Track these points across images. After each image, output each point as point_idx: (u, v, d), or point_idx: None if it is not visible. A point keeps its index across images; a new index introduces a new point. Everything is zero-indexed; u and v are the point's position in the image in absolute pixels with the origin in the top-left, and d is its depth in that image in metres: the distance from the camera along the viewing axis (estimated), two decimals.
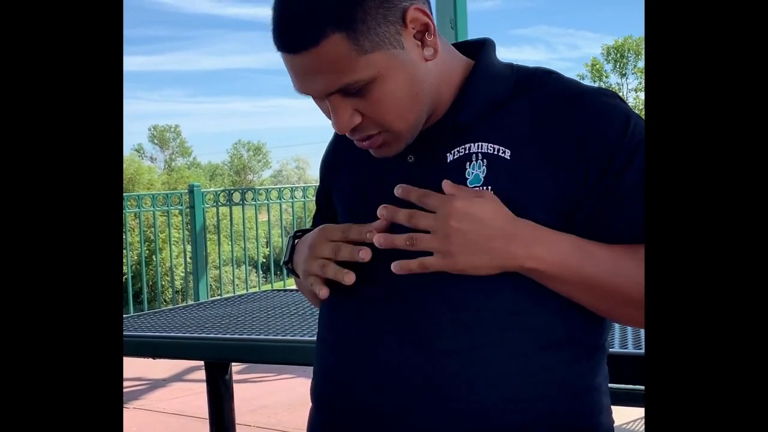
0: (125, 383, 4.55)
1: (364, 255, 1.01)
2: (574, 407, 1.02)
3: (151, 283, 7.85)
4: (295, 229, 1.21)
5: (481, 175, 1.00)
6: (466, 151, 1.02)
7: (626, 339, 1.71)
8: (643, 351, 1.59)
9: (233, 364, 2.56)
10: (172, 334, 2.15)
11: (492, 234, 0.96)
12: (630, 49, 40.70)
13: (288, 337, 1.97)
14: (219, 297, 4.65)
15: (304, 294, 1.28)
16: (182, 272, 7.37)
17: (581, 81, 1.07)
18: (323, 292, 1.05)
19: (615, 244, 0.99)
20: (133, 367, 4.82)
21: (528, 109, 1.02)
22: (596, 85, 1.06)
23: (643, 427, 3.20)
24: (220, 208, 7.14)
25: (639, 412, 3.17)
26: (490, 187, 0.99)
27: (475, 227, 0.95)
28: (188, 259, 7.01)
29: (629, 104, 1.06)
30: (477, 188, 1.00)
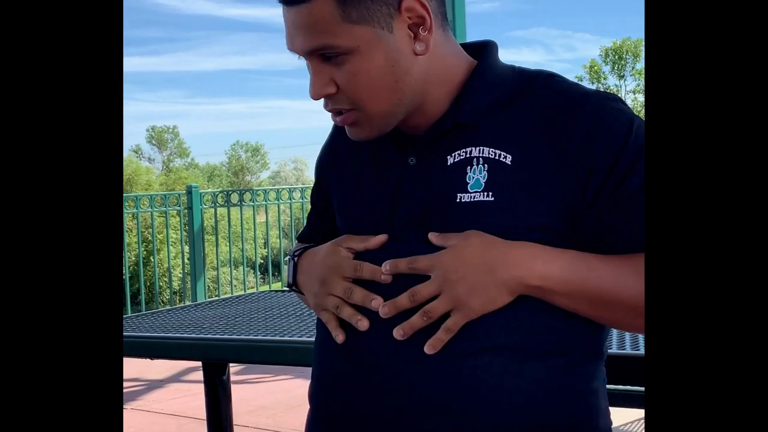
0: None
1: (376, 304, 1.01)
2: (572, 411, 1.02)
3: (148, 283, 7.84)
4: (293, 249, 1.20)
5: (482, 181, 1.00)
6: (467, 155, 1.02)
7: (624, 340, 1.71)
8: (640, 352, 1.59)
9: (231, 364, 2.56)
10: (169, 334, 2.15)
11: (490, 267, 0.96)
12: (628, 51, 40.70)
13: (286, 338, 1.97)
14: (217, 298, 4.65)
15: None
16: (180, 273, 7.36)
17: (579, 83, 1.07)
18: (340, 338, 1.06)
19: (615, 255, 0.98)
20: (131, 368, 4.82)
21: (530, 112, 1.01)
22: (594, 87, 1.06)
23: (641, 428, 3.20)
24: (218, 209, 7.15)
25: (637, 414, 3.17)
26: (491, 193, 0.99)
27: (474, 268, 0.96)
28: (186, 260, 7.01)
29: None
30: (477, 193, 1.00)
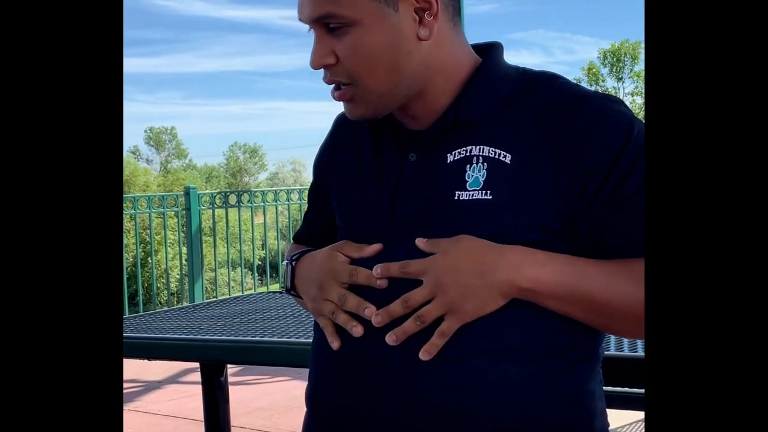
0: None
1: (369, 313, 1.01)
2: (568, 413, 1.02)
3: (146, 284, 7.83)
4: (291, 253, 1.20)
5: (481, 179, 1.00)
6: (467, 153, 1.02)
7: (622, 342, 1.71)
8: (638, 354, 1.59)
9: (229, 366, 2.56)
10: (167, 335, 2.15)
11: (482, 270, 0.96)
12: (626, 53, 40.77)
13: (284, 339, 1.97)
14: (214, 299, 4.65)
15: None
16: (178, 274, 7.36)
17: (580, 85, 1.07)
18: (336, 345, 1.06)
19: (610, 260, 0.99)
20: (128, 369, 4.79)
21: (531, 112, 1.02)
22: (593, 89, 1.06)
23: (640, 430, 3.20)
24: (216, 210, 7.14)
25: (635, 415, 3.17)
26: (489, 192, 0.99)
27: (465, 272, 0.96)
28: (184, 261, 7.00)
29: None
30: (476, 191, 1.00)
